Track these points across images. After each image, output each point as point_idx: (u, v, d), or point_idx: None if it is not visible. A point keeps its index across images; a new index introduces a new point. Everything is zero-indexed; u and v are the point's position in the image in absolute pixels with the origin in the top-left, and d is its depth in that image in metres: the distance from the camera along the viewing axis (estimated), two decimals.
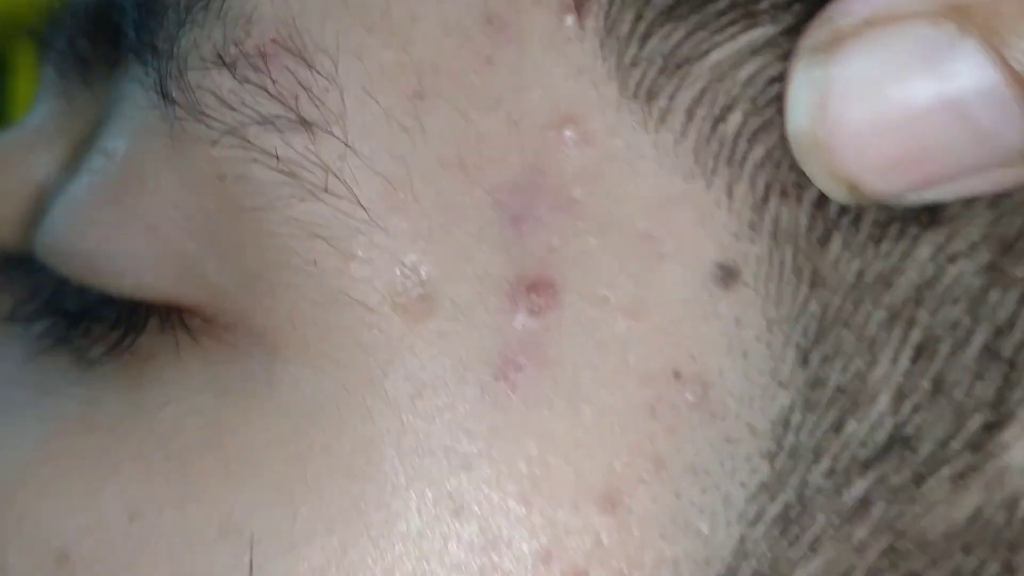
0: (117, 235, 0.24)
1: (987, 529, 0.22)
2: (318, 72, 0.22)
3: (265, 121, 0.22)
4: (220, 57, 0.22)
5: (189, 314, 0.24)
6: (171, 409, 0.23)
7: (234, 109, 0.22)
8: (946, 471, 0.22)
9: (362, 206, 0.22)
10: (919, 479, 0.22)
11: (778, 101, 0.22)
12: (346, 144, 0.22)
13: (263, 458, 0.22)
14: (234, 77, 0.22)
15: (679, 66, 0.22)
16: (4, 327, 0.27)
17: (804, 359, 0.22)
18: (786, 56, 0.22)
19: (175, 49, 0.23)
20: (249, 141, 0.22)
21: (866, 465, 0.22)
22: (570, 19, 0.22)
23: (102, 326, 0.25)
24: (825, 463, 0.22)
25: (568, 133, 0.22)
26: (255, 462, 0.22)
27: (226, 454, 0.23)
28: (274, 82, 0.22)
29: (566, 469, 0.22)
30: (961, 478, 0.22)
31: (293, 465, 0.22)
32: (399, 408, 0.22)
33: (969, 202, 0.22)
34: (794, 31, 0.22)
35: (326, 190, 0.22)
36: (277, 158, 0.22)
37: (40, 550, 0.23)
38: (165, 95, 0.23)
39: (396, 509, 0.22)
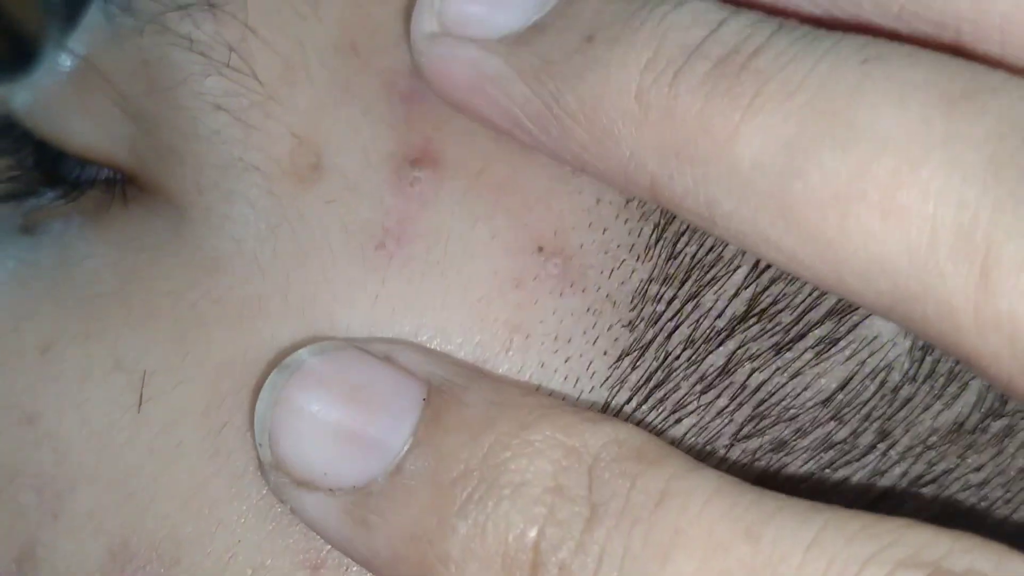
0: (75, 106, 0.26)
1: (858, 398, 0.23)
2: None
3: (180, 8, 0.24)
4: None
5: (129, 182, 0.26)
6: (92, 261, 0.25)
7: (156, 1, 0.25)
8: (808, 340, 0.23)
9: (259, 80, 0.24)
10: (780, 347, 0.23)
11: None
12: (246, 25, 0.24)
13: (161, 305, 0.24)
14: None
15: None
16: None
17: (660, 234, 0.23)
18: None
19: None
20: (167, 27, 0.24)
21: (726, 334, 0.23)
22: None
23: (57, 181, 0.27)
24: (684, 331, 0.23)
25: None
26: (154, 308, 0.24)
27: (130, 300, 0.24)
28: None
29: (435, 337, 0.23)
30: (824, 346, 0.23)
31: (188, 312, 0.24)
32: (287, 269, 0.23)
33: None
34: None
35: (228, 65, 0.24)
36: (190, 40, 0.24)
37: None
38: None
39: (272, 367, 0.23)
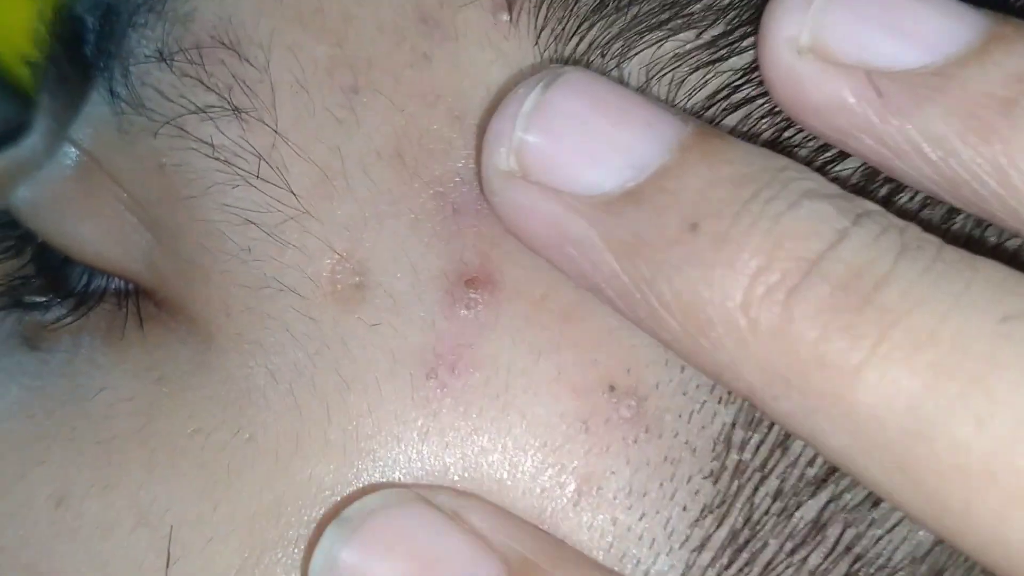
0: (82, 208, 0.24)
1: (958, 551, 0.20)
2: (250, 64, 0.22)
3: (200, 111, 0.22)
4: (160, 53, 0.23)
5: (145, 296, 0.24)
6: (106, 395, 0.23)
7: (172, 101, 0.23)
8: None
9: (293, 192, 0.22)
10: (876, 498, 0.21)
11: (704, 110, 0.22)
12: (275, 131, 0.22)
13: (187, 447, 0.22)
14: (172, 71, 0.23)
15: (607, 67, 0.22)
16: None
17: None
18: (706, 65, 0.21)
19: (123, 47, 0.24)
20: (186, 131, 0.23)
21: (817, 484, 0.21)
22: (504, 17, 0.22)
23: (62, 291, 0.25)
24: (772, 483, 0.21)
25: None
26: (179, 451, 0.22)
27: (152, 442, 0.22)
28: (209, 75, 0.23)
29: (494, 484, 0.21)
30: None
31: (216, 454, 0.22)
32: (327, 401, 0.21)
33: None
34: (722, 39, 0.21)
35: (258, 176, 0.22)
36: (212, 146, 0.22)
37: None
38: (113, 92, 0.23)
39: (316, 515, 0.21)
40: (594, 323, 0.21)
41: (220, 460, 0.22)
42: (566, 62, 0.22)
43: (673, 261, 0.19)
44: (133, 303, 0.24)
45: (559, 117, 0.20)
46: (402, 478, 0.21)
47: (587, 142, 0.20)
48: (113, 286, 0.24)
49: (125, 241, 0.24)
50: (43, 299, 0.25)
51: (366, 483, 0.21)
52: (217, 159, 0.22)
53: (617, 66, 0.22)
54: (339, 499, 0.21)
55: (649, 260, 0.19)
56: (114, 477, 0.22)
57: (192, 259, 0.23)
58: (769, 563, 0.21)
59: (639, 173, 0.20)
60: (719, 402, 0.21)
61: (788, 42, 0.20)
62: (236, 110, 0.22)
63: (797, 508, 0.21)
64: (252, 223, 0.22)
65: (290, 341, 0.22)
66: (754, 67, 0.21)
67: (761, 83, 0.21)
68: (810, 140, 0.21)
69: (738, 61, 0.22)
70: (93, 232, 0.24)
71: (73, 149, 0.25)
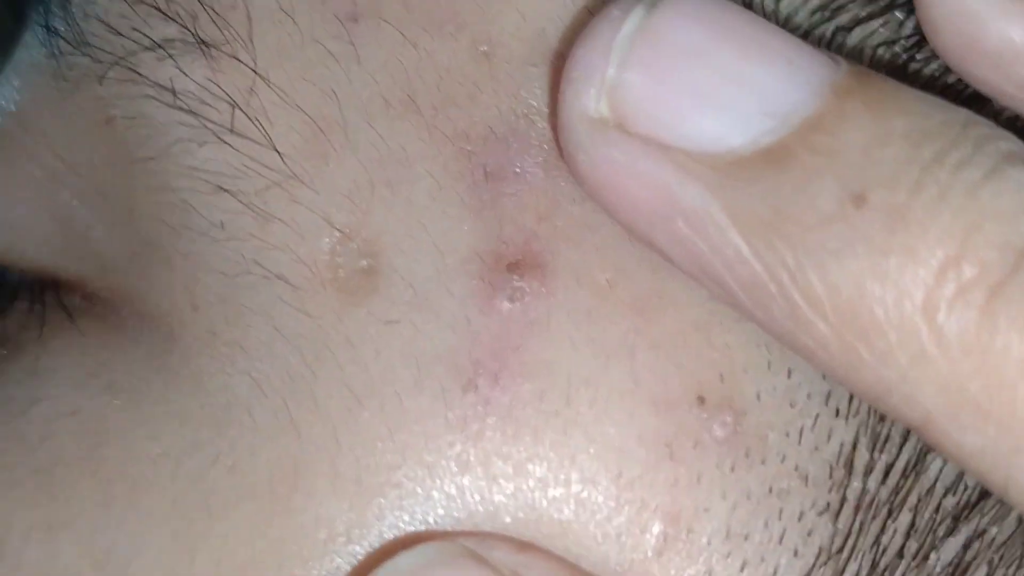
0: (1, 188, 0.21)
1: None
2: None
3: (158, 47, 0.19)
4: None
5: (67, 290, 0.20)
6: (42, 408, 0.20)
7: (122, 35, 0.19)
8: None
9: (277, 151, 0.18)
10: None
11: None
12: (255, 71, 0.19)
13: (153, 478, 0.18)
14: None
15: None
16: None
17: None
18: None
19: None
20: (140, 73, 0.19)
21: (958, 517, 0.18)
22: None
23: None
24: (904, 518, 0.18)
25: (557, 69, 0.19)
26: (142, 482, 0.18)
27: (106, 470, 0.19)
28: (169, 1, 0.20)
29: (556, 528, 0.17)
30: None
31: (189, 487, 0.18)
32: (332, 423, 0.18)
33: None
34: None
35: (232, 130, 0.19)
36: (173, 92, 0.19)
37: None
38: (48, 27, 0.20)
39: (329, 569, 0.17)
40: (677, 316, 0.18)
41: (195, 495, 0.18)
42: None
43: (829, 245, 0.16)
44: (52, 297, 0.20)
45: (669, 48, 0.16)
46: (439, 523, 0.18)
47: (707, 81, 0.16)
48: (24, 286, 0.21)
49: (45, 224, 0.21)
50: None
51: (392, 528, 0.18)
52: (180, 109, 0.19)
53: None
54: (359, 549, 0.18)
55: (794, 242, 0.16)
56: (60, 516, 0.18)
57: (147, 238, 0.20)
58: None
59: (779, 124, 0.16)
60: (836, 415, 0.18)
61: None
62: (203, 44, 0.19)
63: (933, 548, 0.18)
64: (225, 191, 0.19)
65: (280, 342, 0.18)
66: None
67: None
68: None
69: None
70: (4, 220, 0.21)
71: None
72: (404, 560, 0.17)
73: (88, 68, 0.20)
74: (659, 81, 0.16)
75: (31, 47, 0.21)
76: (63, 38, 0.20)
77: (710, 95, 0.16)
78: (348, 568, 0.18)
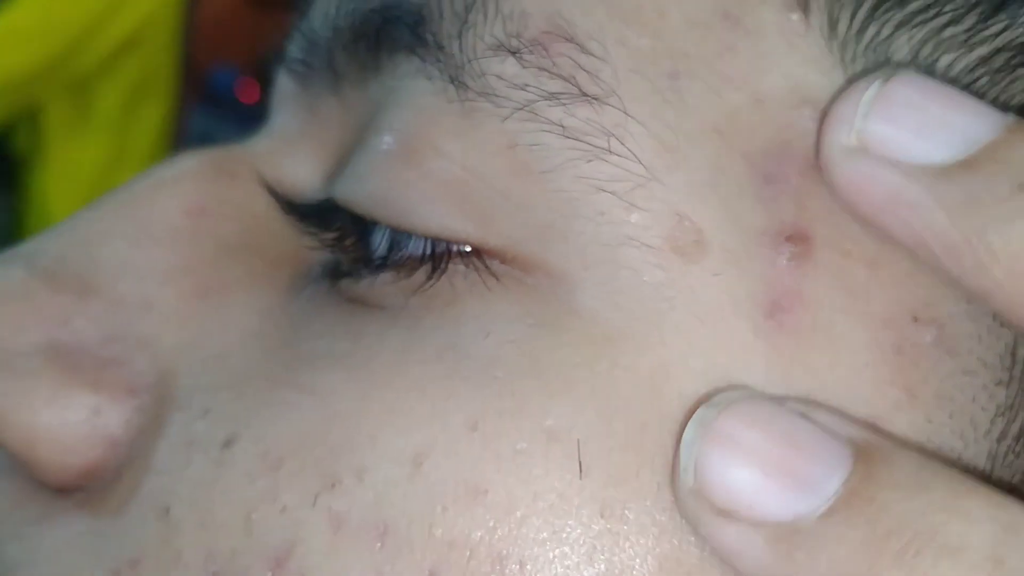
0: (417, 189, 0.27)
1: None
2: (591, 54, 0.26)
3: (551, 97, 0.26)
4: (502, 47, 0.26)
5: (490, 257, 0.26)
6: (491, 340, 0.26)
7: (522, 89, 0.26)
8: None
9: (642, 163, 0.26)
10: None
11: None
12: (624, 112, 0.26)
13: (576, 376, 0.25)
14: (518, 62, 0.26)
15: (889, 60, 0.26)
16: (314, 285, 0.29)
17: None
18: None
19: (461, 44, 0.26)
20: (537, 114, 0.26)
21: None
22: (795, 16, 0.26)
23: (409, 267, 0.27)
24: None
25: (807, 112, 0.26)
26: (570, 379, 0.25)
27: (545, 374, 0.25)
28: (554, 64, 0.26)
29: (829, 399, 0.25)
30: None
31: (604, 380, 0.25)
32: (688, 336, 0.25)
33: None
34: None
35: (609, 151, 0.26)
36: (563, 127, 0.26)
37: (395, 457, 0.25)
38: (455, 81, 0.26)
39: (686, 412, 0.25)
40: (895, 268, 0.25)
41: (607, 385, 0.25)
42: (852, 60, 0.26)
43: (1004, 214, 0.22)
44: (480, 262, 0.27)
45: (898, 105, 0.24)
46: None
47: (925, 124, 0.24)
48: (455, 249, 0.27)
49: (463, 211, 0.27)
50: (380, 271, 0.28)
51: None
52: (570, 138, 0.26)
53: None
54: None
55: (981, 213, 0.23)
56: (518, 405, 0.25)
57: (546, 223, 0.26)
58: None
59: (971, 147, 0.23)
60: (1000, 326, 0.26)
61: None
62: (585, 95, 0.26)
63: None
64: (605, 191, 0.26)
65: (646, 288, 0.25)
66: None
67: None
68: None
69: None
70: (435, 209, 0.27)
71: (388, 137, 0.27)
72: (733, 391, 0.24)
73: (492, 110, 0.26)
74: (892, 123, 0.24)
75: (427, 95, 0.27)
76: (471, 88, 0.26)
77: (927, 132, 0.23)
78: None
